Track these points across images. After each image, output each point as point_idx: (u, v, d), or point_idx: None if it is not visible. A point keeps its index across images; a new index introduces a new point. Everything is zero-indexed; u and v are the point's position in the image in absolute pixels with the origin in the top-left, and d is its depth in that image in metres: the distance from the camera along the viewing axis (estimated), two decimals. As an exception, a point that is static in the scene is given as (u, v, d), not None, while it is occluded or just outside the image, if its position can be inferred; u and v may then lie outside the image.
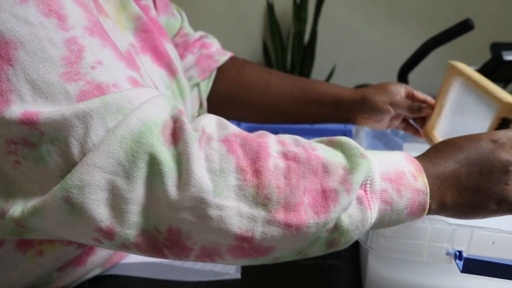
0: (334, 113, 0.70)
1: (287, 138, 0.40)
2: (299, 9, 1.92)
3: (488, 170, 0.41)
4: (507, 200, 0.41)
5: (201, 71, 0.70)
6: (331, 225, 0.37)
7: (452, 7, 1.94)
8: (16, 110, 0.32)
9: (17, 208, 0.35)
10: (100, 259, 0.54)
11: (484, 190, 0.41)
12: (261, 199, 0.34)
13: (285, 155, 0.36)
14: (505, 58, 1.10)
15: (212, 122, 0.38)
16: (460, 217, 0.43)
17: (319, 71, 2.06)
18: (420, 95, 0.69)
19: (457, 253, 0.44)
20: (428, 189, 0.39)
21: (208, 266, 0.59)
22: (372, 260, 0.52)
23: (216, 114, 0.40)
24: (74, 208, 0.32)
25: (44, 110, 0.33)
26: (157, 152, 0.33)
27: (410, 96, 0.69)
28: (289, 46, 2.04)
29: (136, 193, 0.33)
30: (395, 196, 0.39)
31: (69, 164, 0.33)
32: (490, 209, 0.42)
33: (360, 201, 0.37)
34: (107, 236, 0.34)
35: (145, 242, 0.35)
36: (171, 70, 0.60)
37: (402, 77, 1.38)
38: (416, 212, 0.40)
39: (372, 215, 0.38)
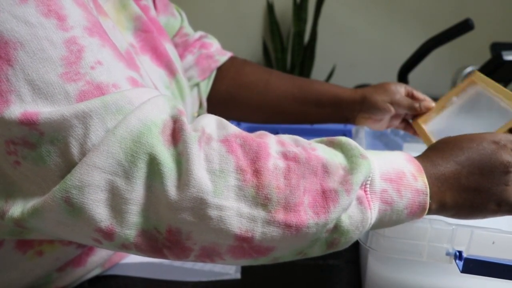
0: (334, 113, 0.70)
1: (287, 138, 0.40)
2: (299, 9, 1.92)
3: (489, 170, 0.41)
4: (507, 201, 0.42)
5: (201, 71, 0.70)
6: (331, 225, 0.37)
7: (452, 7, 1.94)
8: (15, 110, 0.32)
9: (16, 209, 0.35)
10: (99, 259, 0.54)
11: (485, 190, 0.41)
12: (261, 199, 0.34)
13: (285, 155, 0.36)
14: (505, 58, 1.10)
15: (212, 122, 0.38)
16: (459, 217, 0.43)
17: (319, 71, 2.06)
18: (420, 95, 0.69)
19: (457, 253, 0.44)
20: (428, 189, 0.39)
21: (208, 266, 0.59)
22: (372, 260, 0.52)
23: (216, 114, 0.40)
24: (74, 209, 0.32)
25: (43, 110, 0.33)
26: (157, 152, 0.33)
27: (410, 96, 0.69)
28: (289, 46, 2.04)
29: (136, 193, 0.33)
30: (395, 196, 0.39)
31: (69, 165, 0.33)
32: (490, 209, 0.42)
33: (360, 201, 0.37)
34: (107, 237, 0.34)
35: (145, 243, 0.35)
36: (170, 70, 0.60)
37: (402, 77, 1.38)
38: (416, 212, 0.40)
39: (372, 215, 0.38)
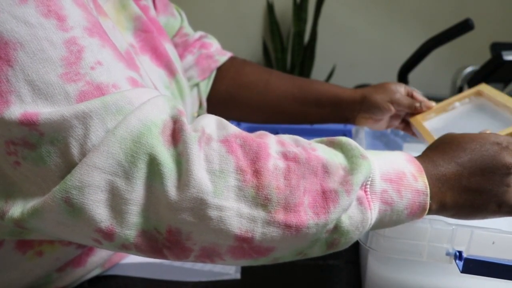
0: (334, 113, 0.70)
1: (287, 138, 0.40)
2: (299, 9, 1.92)
3: (491, 172, 0.41)
4: (507, 202, 0.42)
5: (200, 71, 0.70)
6: (331, 225, 0.37)
7: (452, 7, 1.94)
8: (15, 111, 0.32)
9: (16, 209, 0.35)
10: (99, 259, 0.54)
11: (486, 191, 0.41)
12: (261, 199, 0.34)
13: (285, 156, 0.36)
14: (505, 58, 1.10)
15: (212, 123, 0.38)
16: (459, 218, 0.43)
17: (319, 71, 2.06)
18: (419, 96, 0.69)
19: (457, 253, 0.44)
20: (428, 190, 0.39)
21: (207, 267, 0.59)
22: (372, 260, 0.52)
23: (215, 114, 0.40)
24: (74, 209, 0.32)
25: (43, 111, 0.33)
26: (157, 152, 0.33)
27: (409, 96, 0.69)
28: (289, 46, 2.04)
29: (136, 193, 0.33)
30: (396, 196, 0.39)
31: (69, 165, 0.33)
32: (491, 210, 0.42)
33: (360, 201, 0.37)
34: (107, 237, 0.34)
35: (145, 243, 0.35)
36: (170, 70, 0.60)
37: (402, 77, 1.38)
38: (416, 213, 0.40)
39: (372, 215, 0.38)
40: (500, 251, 0.44)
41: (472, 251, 0.45)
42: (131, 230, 0.34)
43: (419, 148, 0.69)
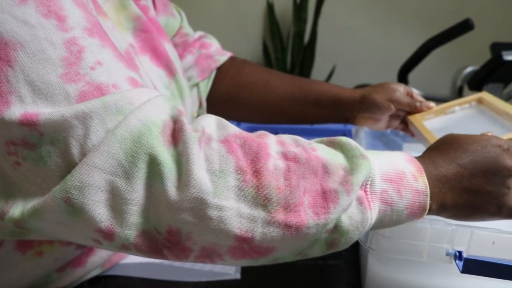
0: (333, 113, 0.70)
1: (287, 138, 0.40)
2: (299, 9, 1.92)
3: (492, 174, 0.41)
4: (507, 205, 0.42)
5: (200, 71, 0.70)
6: (331, 225, 0.37)
7: (452, 7, 1.94)
8: (15, 111, 0.32)
9: (17, 209, 0.35)
10: (99, 259, 0.54)
11: (486, 193, 0.41)
12: (261, 199, 0.34)
13: (285, 156, 0.36)
14: (505, 58, 1.10)
15: (212, 123, 0.38)
16: (459, 219, 0.43)
17: (319, 71, 2.06)
18: (418, 97, 0.69)
19: (457, 254, 0.44)
20: (428, 190, 0.39)
21: (207, 267, 0.59)
22: (372, 260, 0.52)
23: (215, 114, 0.40)
24: (74, 209, 0.32)
25: (43, 111, 0.33)
26: (157, 152, 0.33)
27: (409, 95, 0.69)
28: (289, 46, 2.04)
29: (136, 193, 0.33)
30: (396, 196, 0.39)
31: (69, 165, 0.33)
32: (490, 212, 0.42)
33: (360, 201, 0.37)
34: (107, 237, 0.34)
35: (145, 243, 0.35)
36: (170, 70, 0.60)
37: (402, 77, 1.38)
38: (416, 213, 0.40)
39: (372, 215, 0.38)
40: (500, 251, 0.44)
41: (472, 251, 0.45)
42: (131, 230, 0.34)
43: (419, 148, 0.69)
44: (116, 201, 0.33)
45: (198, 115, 0.71)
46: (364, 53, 2.08)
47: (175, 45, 0.70)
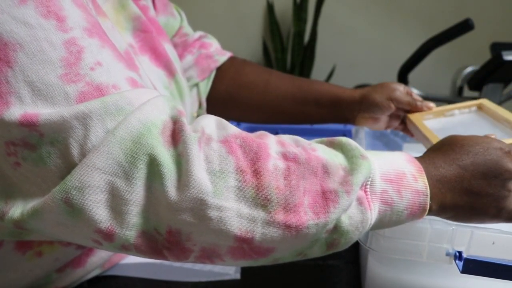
0: (333, 113, 0.70)
1: (287, 138, 0.40)
2: (299, 9, 1.92)
3: (493, 176, 0.41)
4: (507, 208, 0.42)
5: (200, 71, 0.70)
6: (331, 226, 0.37)
7: (452, 7, 1.95)
8: (15, 112, 0.32)
9: (16, 210, 0.35)
10: (99, 259, 0.54)
11: (487, 195, 0.41)
12: (260, 200, 0.34)
13: (285, 156, 0.36)
14: (505, 58, 1.10)
15: (211, 123, 0.38)
16: (458, 220, 0.43)
17: (319, 71, 2.06)
18: (418, 97, 0.69)
19: (457, 254, 0.44)
20: (428, 190, 0.39)
21: (207, 267, 0.59)
22: (372, 260, 0.52)
23: (215, 114, 0.40)
24: (74, 210, 0.32)
25: (43, 111, 0.33)
26: (157, 153, 0.33)
27: (409, 95, 0.69)
28: (289, 46, 2.04)
29: (136, 194, 0.33)
30: (395, 197, 0.39)
31: (69, 166, 0.33)
32: (490, 214, 0.42)
33: (360, 202, 0.37)
34: (107, 238, 0.34)
35: (144, 244, 0.35)
36: (170, 71, 0.60)
37: (402, 77, 1.38)
38: (416, 213, 0.40)
39: (372, 216, 0.38)
40: (500, 251, 0.44)
41: (472, 252, 0.45)
42: (131, 230, 0.34)
43: (419, 148, 0.69)
44: (116, 202, 0.33)
45: (198, 115, 0.71)
46: (364, 53, 2.08)
47: (175, 45, 0.70)
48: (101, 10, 0.46)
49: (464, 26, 1.17)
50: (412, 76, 1.39)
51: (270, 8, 1.96)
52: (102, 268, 0.56)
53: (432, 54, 1.30)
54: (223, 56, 0.73)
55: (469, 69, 1.34)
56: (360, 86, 0.94)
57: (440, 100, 1.34)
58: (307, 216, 0.35)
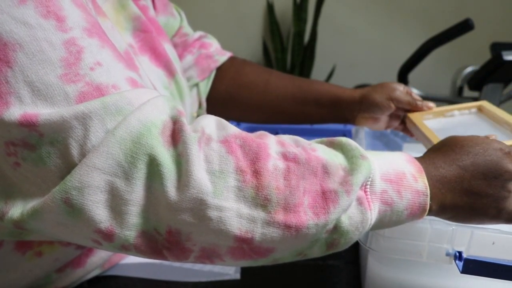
0: (333, 113, 0.70)
1: (287, 138, 0.40)
2: (299, 9, 1.92)
3: (493, 177, 0.41)
4: (507, 209, 0.42)
5: (200, 71, 0.70)
6: (330, 226, 0.37)
7: (452, 7, 1.94)
8: (15, 112, 0.32)
9: (16, 210, 0.35)
10: (99, 260, 0.54)
11: (487, 196, 0.41)
12: (260, 200, 0.34)
13: (285, 156, 0.36)
14: (505, 58, 1.10)
15: (211, 123, 0.38)
16: (458, 221, 0.43)
17: (319, 71, 2.06)
18: (418, 97, 0.69)
19: (457, 254, 0.44)
20: (428, 190, 0.39)
21: (207, 267, 0.59)
22: (371, 260, 0.52)
23: (215, 114, 0.40)
24: (74, 210, 0.32)
25: (43, 112, 0.33)
26: (157, 153, 0.33)
27: (409, 95, 0.69)
28: (289, 46, 2.04)
29: (136, 194, 0.33)
30: (395, 197, 0.39)
31: (69, 166, 0.33)
32: (490, 214, 0.42)
33: (360, 202, 0.37)
34: (107, 238, 0.34)
35: (144, 244, 0.35)
36: (169, 71, 0.60)
37: (402, 77, 1.38)
38: (417, 213, 0.40)
39: (372, 216, 0.38)
40: (500, 252, 0.44)
41: (472, 252, 0.45)
42: (130, 231, 0.34)
43: (419, 148, 0.69)
44: (116, 202, 0.33)
45: (198, 115, 0.71)
46: (364, 53, 2.08)
47: (175, 45, 0.70)
48: (101, 10, 0.46)
49: (464, 26, 1.17)
50: (412, 76, 1.39)
51: (270, 8, 1.96)
52: (102, 268, 0.56)
53: (432, 54, 1.30)
54: (223, 56, 0.73)
55: (469, 69, 1.34)
56: (360, 86, 0.94)
57: (440, 100, 1.34)
58: (307, 216, 0.35)
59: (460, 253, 0.44)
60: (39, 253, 0.48)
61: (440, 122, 0.68)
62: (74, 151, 0.33)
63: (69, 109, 0.33)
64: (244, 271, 0.58)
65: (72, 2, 0.36)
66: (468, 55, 1.86)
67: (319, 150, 0.38)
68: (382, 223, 0.40)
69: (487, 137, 0.45)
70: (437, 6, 1.96)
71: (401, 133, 0.76)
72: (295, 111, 0.71)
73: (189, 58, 0.70)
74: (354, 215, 0.37)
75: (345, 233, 0.37)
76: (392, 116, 0.70)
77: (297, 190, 0.35)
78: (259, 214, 0.34)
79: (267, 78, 0.72)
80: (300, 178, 0.36)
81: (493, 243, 0.45)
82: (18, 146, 0.33)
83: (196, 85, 0.70)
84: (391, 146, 0.82)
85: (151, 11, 0.62)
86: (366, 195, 0.38)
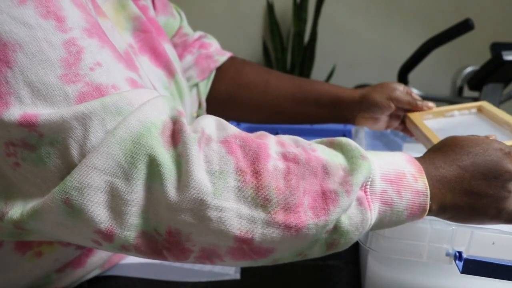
0: (333, 113, 0.70)
1: (287, 139, 0.40)
2: (299, 9, 1.92)
3: (493, 177, 0.41)
4: (507, 209, 0.42)
5: (200, 71, 0.70)
6: (330, 226, 0.37)
7: (452, 7, 1.94)
8: (15, 112, 0.32)
9: (16, 210, 0.35)
10: (99, 260, 0.54)
11: (487, 196, 0.41)
12: (260, 200, 0.34)
13: (285, 156, 0.36)
14: (505, 58, 1.10)
15: (211, 123, 0.38)
16: (458, 221, 0.43)
17: (319, 71, 2.06)
18: (418, 97, 0.69)
19: (457, 254, 0.44)
20: (428, 191, 0.39)
21: (207, 267, 0.59)
22: (371, 260, 0.52)
23: (215, 114, 0.40)
24: (73, 210, 0.32)
25: (43, 112, 0.33)
26: (157, 153, 0.33)
27: (409, 95, 0.69)
28: (289, 46, 2.04)
29: (136, 194, 0.33)
30: (395, 197, 0.39)
31: (69, 166, 0.33)
32: (490, 215, 0.42)
33: (360, 202, 0.37)
34: (107, 238, 0.34)
35: (144, 244, 0.35)
36: (169, 71, 0.60)
37: (402, 77, 1.38)
38: (417, 214, 0.40)
39: (372, 216, 0.38)
40: (500, 252, 0.44)
41: (472, 252, 0.45)
42: (130, 231, 0.34)
43: (419, 149, 0.69)
44: (116, 202, 0.33)
45: (197, 116, 0.71)
46: (364, 53, 2.08)
47: (175, 45, 0.70)
48: (100, 10, 0.46)
49: (464, 26, 1.17)
50: (412, 76, 1.39)
51: (270, 8, 1.96)
52: (102, 268, 0.56)
53: (432, 54, 1.30)
54: (223, 56, 0.73)
55: (469, 69, 1.34)
56: (360, 86, 0.94)
57: (440, 100, 1.34)
58: (307, 217, 0.35)
59: (460, 253, 0.44)
60: (39, 253, 0.48)
61: (440, 122, 0.68)
62: (74, 151, 0.33)
63: (69, 109, 0.33)
64: (244, 271, 0.58)
65: (72, 2, 0.36)
66: (468, 55, 1.86)
67: (319, 150, 0.38)
68: (382, 223, 0.40)
69: (487, 137, 0.45)
70: (437, 6, 1.96)
71: (401, 133, 0.76)
72: (295, 111, 0.71)
73: (189, 58, 0.70)
74: (354, 215, 0.37)
75: (345, 233, 0.37)
76: (392, 116, 0.70)
77: (297, 190, 0.35)
78: (259, 214, 0.34)
79: (267, 78, 0.72)
80: (300, 178, 0.36)
81: (493, 243, 0.45)
82: (18, 147, 0.33)
83: (196, 85, 0.70)
84: (391, 146, 0.82)
85: (151, 11, 0.62)
86: (366, 195, 0.38)
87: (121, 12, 0.55)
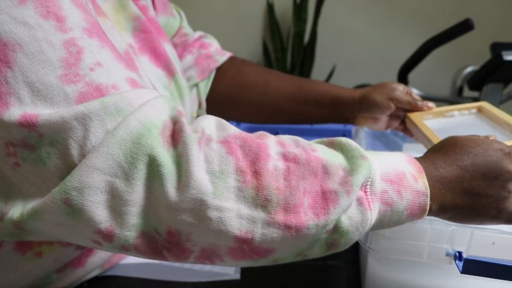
0: (333, 113, 0.70)
1: (287, 139, 0.40)
2: (299, 9, 1.92)
3: (493, 177, 0.41)
4: (507, 209, 0.42)
5: (200, 71, 0.70)
6: (330, 226, 0.37)
7: (452, 7, 1.94)
8: (15, 112, 0.32)
9: (16, 210, 0.35)
10: (99, 260, 0.54)
11: (487, 196, 0.41)
12: (260, 200, 0.34)
13: (285, 156, 0.36)
14: (505, 58, 1.10)
15: (211, 123, 0.38)
16: (458, 221, 0.43)
17: (319, 71, 2.06)
18: (418, 97, 0.69)
19: (457, 254, 0.44)
20: (428, 191, 0.39)
21: (207, 267, 0.59)
22: (371, 260, 0.52)
23: (215, 114, 0.40)
24: (73, 210, 0.32)
25: (43, 112, 0.33)
26: (157, 153, 0.33)
27: (409, 95, 0.69)
28: (289, 46, 2.04)
29: (136, 194, 0.33)
30: (396, 197, 0.39)
31: (69, 166, 0.33)
32: (490, 215, 0.42)
33: (360, 202, 0.37)
34: (107, 238, 0.34)
35: (144, 244, 0.35)
36: (169, 71, 0.60)
37: (402, 77, 1.38)
38: (417, 214, 0.40)
39: (372, 216, 0.38)
40: (500, 252, 0.44)
41: (472, 252, 0.45)
42: (130, 231, 0.34)
43: (419, 148, 0.69)
44: (116, 202, 0.33)
45: (197, 116, 0.71)
46: (364, 53, 2.08)
47: (175, 45, 0.70)
48: (101, 10, 0.46)
49: (464, 26, 1.17)
50: (412, 76, 1.39)
51: (270, 8, 1.96)
52: (102, 268, 0.56)
53: (432, 54, 1.30)
54: (223, 56, 0.73)
55: (469, 69, 1.34)
56: (360, 86, 0.94)
57: (440, 100, 1.34)
58: (307, 217, 0.35)
59: (460, 253, 0.44)
60: (39, 254, 0.48)
61: (440, 122, 0.68)
62: (74, 151, 0.33)
63: (69, 109, 0.33)
64: (244, 271, 0.58)
65: (72, 2, 0.36)
66: (468, 55, 1.86)
67: (319, 151, 0.38)
68: (382, 223, 0.40)
69: (487, 138, 0.45)
70: (437, 6, 1.96)
71: (401, 133, 0.76)
72: (295, 111, 0.71)
73: (189, 58, 0.70)
74: (354, 215, 0.37)
75: (345, 233, 0.37)
76: (392, 116, 0.70)
77: (297, 190, 0.35)
78: (259, 214, 0.34)
79: (267, 78, 0.72)
80: (300, 178, 0.36)
81: (493, 243, 0.45)
82: (18, 147, 0.33)
83: (196, 85, 0.70)
84: (391, 146, 0.82)
85: (151, 11, 0.62)
86: (366, 195, 0.38)
87: (121, 12, 0.55)
